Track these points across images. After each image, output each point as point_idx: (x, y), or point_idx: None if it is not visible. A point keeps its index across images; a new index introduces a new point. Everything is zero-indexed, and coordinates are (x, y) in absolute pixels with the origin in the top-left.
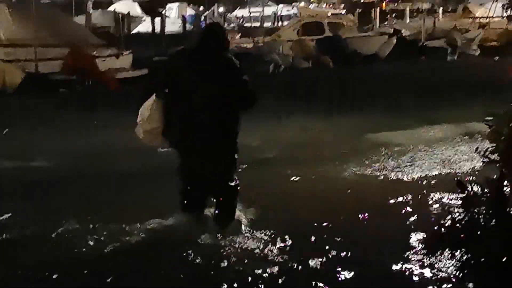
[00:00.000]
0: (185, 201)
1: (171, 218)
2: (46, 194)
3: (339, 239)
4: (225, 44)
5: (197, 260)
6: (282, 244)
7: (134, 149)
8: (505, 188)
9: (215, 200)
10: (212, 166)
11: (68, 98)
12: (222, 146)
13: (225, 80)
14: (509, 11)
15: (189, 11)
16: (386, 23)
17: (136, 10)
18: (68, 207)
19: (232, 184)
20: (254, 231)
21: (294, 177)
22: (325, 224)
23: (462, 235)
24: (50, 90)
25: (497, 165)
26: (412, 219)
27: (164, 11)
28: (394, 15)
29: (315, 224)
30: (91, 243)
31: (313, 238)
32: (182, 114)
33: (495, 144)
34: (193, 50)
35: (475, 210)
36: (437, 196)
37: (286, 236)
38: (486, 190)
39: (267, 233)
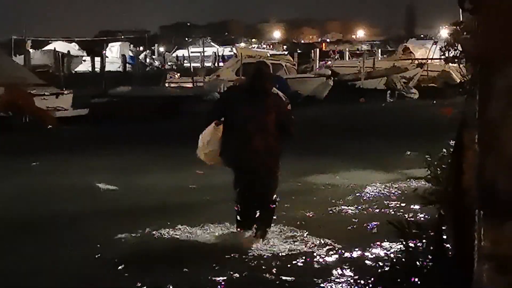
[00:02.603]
0: (239, 212)
1: None
2: None
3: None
4: (271, 82)
5: None
6: None
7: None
8: (443, 229)
9: (259, 208)
10: (260, 183)
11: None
12: (269, 167)
13: (272, 113)
14: (446, 53)
15: (128, 51)
16: (324, 63)
17: (76, 49)
18: None
19: (273, 199)
20: None
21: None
22: None
23: (401, 277)
24: None
25: (435, 206)
26: (350, 260)
27: (104, 51)
28: (337, 56)
29: None
30: None
31: None
32: (236, 140)
33: (433, 186)
34: (246, 86)
35: (414, 251)
36: (375, 238)
37: None
38: (424, 232)
39: None
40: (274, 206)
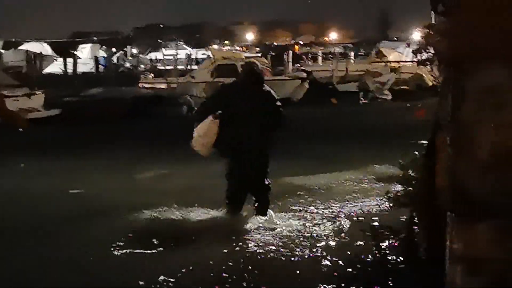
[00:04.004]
0: (231, 198)
1: None
2: None
3: None
4: (263, 79)
5: None
6: None
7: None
8: (415, 231)
9: (255, 196)
10: (254, 170)
11: None
12: (262, 155)
13: (265, 106)
14: (419, 56)
15: (102, 53)
16: (298, 65)
17: (48, 50)
18: None
19: (267, 182)
20: None
21: None
22: None
23: (373, 279)
24: None
25: (407, 208)
26: (322, 262)
27: (77, 51)
28: (310, 57)
29: None
30: None
31: None
32: (233, 131)
33: (405, 187)
34: (240, 83)
35: (386, 253)
36: (347, 239)
37: None
38: (396, 233)
39: None
40: (270, 186)
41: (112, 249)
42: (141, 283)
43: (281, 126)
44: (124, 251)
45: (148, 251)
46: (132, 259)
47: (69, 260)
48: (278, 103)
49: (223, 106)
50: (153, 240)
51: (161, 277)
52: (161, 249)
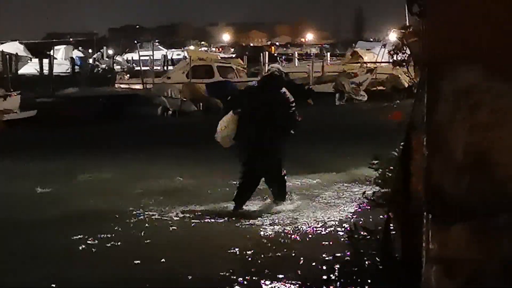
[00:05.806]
0: (242, 185)
1: None
2: None
3: None
4: (283, 83)
5: None
6: None
7: None
8: (391, 232)
9: (271, 186)
10: (268, 164)
11: None
12: (277, 148)
13: (281, 107)
14: (395, 57)
15: (77, 53)
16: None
17: (24, 51)
18: None
19: (283, 174)
20: None
21: None
22: None
23: (349, 280)
24: None
25: (384, 209)
26: (299, 264)
27: (52, 52)
28: (284, 58)
29: None
30: None
31: None
32: (251, 126)
33: (381, 189)
34: (261, 85)
35: (362, 254)
36: (323, 240)
37: None
38: (372, 234)
39: None
40: (285, 176)
41: None
42: None
43: (294, 126)
44: None
45: None
46: None
47: None
48: (292, 105)
49: (244, 104)
50: None
51: None
52: None
